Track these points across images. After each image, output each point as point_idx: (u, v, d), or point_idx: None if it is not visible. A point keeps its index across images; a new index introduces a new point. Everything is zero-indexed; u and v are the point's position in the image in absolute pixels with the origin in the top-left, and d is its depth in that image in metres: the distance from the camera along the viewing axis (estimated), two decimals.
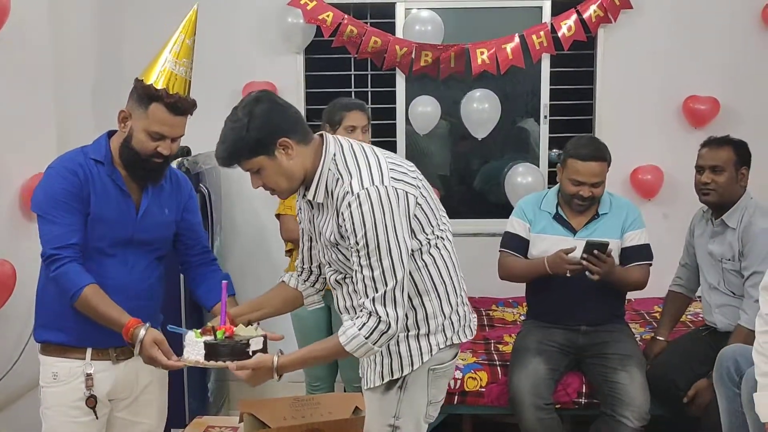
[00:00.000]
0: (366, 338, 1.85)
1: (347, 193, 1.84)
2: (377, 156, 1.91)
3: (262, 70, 4.08)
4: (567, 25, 4.02)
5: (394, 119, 4.22)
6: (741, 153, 2.97)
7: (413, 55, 4.01)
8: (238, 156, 1.91)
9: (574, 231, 3.06)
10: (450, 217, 2.07)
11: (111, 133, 2.21)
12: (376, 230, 1.80)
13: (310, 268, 2.17)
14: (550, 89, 4.20)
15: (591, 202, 3.01)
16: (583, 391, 3.07)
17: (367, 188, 1.82)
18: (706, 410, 2.86)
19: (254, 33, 4.10)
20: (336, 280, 2.01)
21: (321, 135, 1.97)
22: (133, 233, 2.20)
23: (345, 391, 3.35)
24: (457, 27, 4.17)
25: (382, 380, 2.00)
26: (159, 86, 2.07)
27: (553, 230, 3.07)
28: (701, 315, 3.41)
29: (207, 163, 3.68)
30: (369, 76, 4.22)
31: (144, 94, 2.08)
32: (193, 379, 3.49)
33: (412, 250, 1.90)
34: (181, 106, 2.10)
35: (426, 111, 4.09)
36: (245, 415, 2.41)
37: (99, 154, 2.16)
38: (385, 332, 1.85)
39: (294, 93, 4.14)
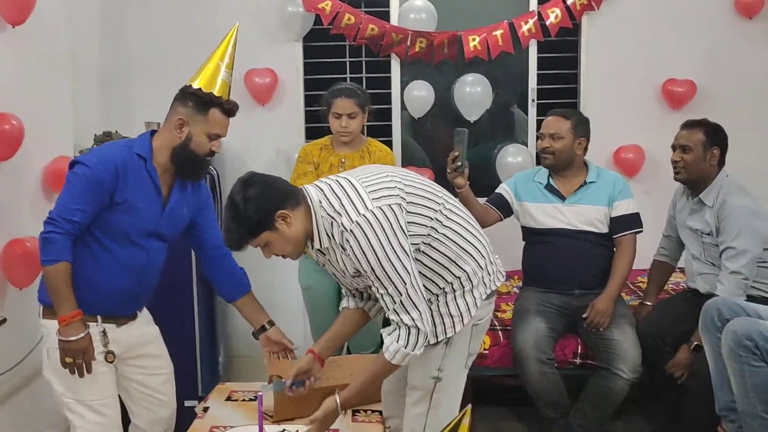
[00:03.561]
0: (406, 347, 2.04)
1: (342, 231, 2.00)
2: (353, 185, 2.06)
3: (263, 57, 4.20)
4: (554, 13, 4.18)
5: (389, 104, 4.35)
6: (711, 134, 3.13)
7: (408, 42, 4.17)
8: (245, 240, 2.07)
9: (563, 198, 3.28)
10: None
11: (152, 133, 2.42)
12: (376, 255, 1.97)
13: (356, 288, 2.30)
14: (538, 74, 4.35)
15: (552, 154, 3.25)
16: (579, 351, 3.25)
17: (356, 221, 1.98)
18: (689, 373, 3.02)
19: (256, 22, 4.20)
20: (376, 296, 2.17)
21: (302, 189, 2.10)
22: (157, 226, 2.40)
23: None
24: (449, 14, 4.29)
25: (436, 340, 2.17)
26: (218, 94, 2.33)
27: (544, 198, 3.30)
28: (681, 284, 3.64)
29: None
30: (363, 62, 4.35)
31: (202, 102, 2.32)
32: (204, 353, 3.62)
33: (429, 234, 2.08)
34: (234, 109, 2.41)
35: (421, 95, 4.22)
36: (274, 377, 2.52)
37: (143, 150, 2.35)
38: (418, 334, 2.04)
39: (294, 80, 4.28)
